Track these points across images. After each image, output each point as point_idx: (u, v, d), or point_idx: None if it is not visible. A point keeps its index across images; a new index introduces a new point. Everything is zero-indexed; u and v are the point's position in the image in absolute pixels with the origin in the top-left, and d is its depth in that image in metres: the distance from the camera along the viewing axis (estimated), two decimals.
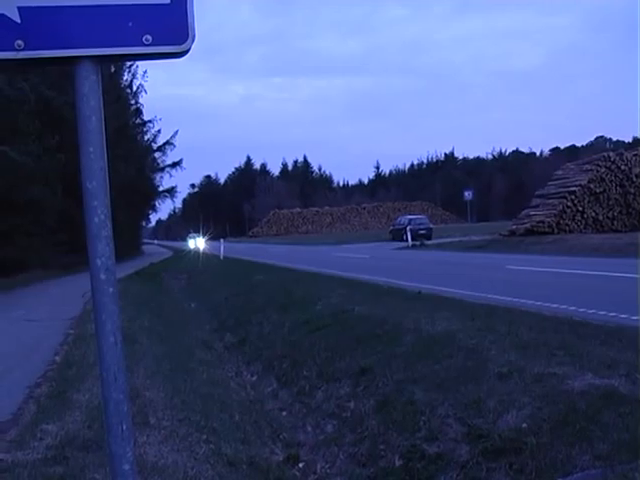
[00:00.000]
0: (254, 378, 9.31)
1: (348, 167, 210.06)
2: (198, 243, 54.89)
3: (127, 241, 40.73)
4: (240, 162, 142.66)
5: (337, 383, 7.57)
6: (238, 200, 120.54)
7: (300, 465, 5.95)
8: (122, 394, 2.18)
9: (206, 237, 59.23)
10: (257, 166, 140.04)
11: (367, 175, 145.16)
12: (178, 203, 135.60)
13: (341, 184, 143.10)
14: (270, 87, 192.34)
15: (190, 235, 70.35)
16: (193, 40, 2.19)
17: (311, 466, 5.90)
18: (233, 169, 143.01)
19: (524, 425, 4.89)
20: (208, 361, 10.17)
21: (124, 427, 2.18)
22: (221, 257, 35.17)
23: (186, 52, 2.21)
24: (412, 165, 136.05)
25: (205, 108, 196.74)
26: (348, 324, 9.82)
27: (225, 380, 9.11)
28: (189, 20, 2.19)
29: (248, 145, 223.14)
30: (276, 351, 10.05)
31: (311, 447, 6.34)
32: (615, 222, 37.57)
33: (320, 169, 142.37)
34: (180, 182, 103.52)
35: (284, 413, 7.57)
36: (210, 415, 6.66)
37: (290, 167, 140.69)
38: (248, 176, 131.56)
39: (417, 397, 6.13)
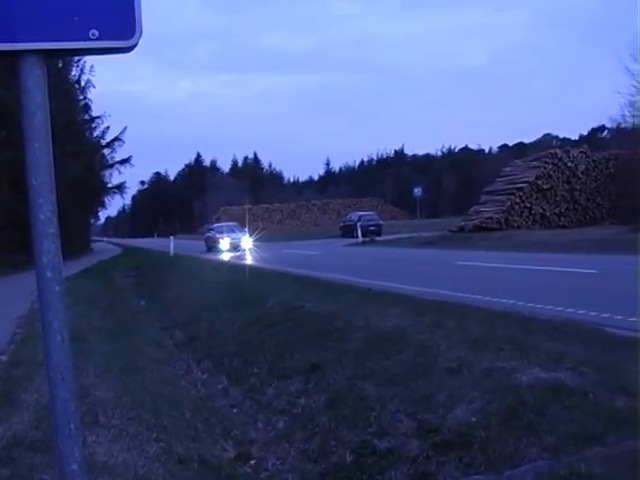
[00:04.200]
0: (205, 376, 9.27)
1: (298, 164, 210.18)
2: (242, 242, 39.69)
3: (76, 238, 40.20)
4: (190, 159, 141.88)
5: (288, 380, 7.57)
6: (188, 197, 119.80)
7: (251, 462, 5.93)
8: (70, 393, 2.16)
9: (251, 234, 43.03)
10: (207, 163, 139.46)
11: (317, 172, 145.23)
12: (128, 200, 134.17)
13: (291, 181, 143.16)
14: (219, 83, 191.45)
15: (217, 229, 45.06)
16: (140, 35, 2.17)
17: (262, 463, 5.89)
18: (183, 166, 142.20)
19: (473, 419, 4.94)
20: (158, 359, 10.10)
21: (72, 427, 2.15)
22: (171, 254, 34.94)
23: (133, 47, 2.19)
24: (362, 162, 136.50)
25: (153, 104, 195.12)
26: (299, 321, 9.82)
27: (175, 378, 9.06)
28: (136, 15, 2.17)
29: (198, 141, 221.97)
30: (227, 348, 10.01)
31: (262, 444, 6.33)
32: (562, 218, 38.12)
33: (270, 166, 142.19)
34: (129, 179, 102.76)
35: (235, 410, 7.55)
36: (160, 413, 6.61)
37: (240, 164, 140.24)
38: (198, 173, 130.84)
39: (368, 393, 6.16)
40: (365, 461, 5.10)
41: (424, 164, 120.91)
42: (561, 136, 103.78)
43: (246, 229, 43.18)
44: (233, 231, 43.59)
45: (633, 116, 37.30)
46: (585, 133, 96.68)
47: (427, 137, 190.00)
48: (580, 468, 3.75)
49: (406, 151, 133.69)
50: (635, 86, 35.86)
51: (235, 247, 39.39)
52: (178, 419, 6.72)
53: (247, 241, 40.38)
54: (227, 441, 6.44)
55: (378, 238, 42.43)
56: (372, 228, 45.95)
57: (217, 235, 43.04)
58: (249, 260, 29.46)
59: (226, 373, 8.99)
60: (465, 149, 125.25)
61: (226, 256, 34.18)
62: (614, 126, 44.77)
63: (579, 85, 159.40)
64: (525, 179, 38.02)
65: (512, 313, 9.44)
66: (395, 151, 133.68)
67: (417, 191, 52.25)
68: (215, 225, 48.87)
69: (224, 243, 40.63)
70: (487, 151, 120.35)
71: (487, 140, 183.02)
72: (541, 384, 5.19)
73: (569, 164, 38.65)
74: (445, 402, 5.36)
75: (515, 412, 4.80)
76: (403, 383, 6.05)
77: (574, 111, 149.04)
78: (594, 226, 35.34)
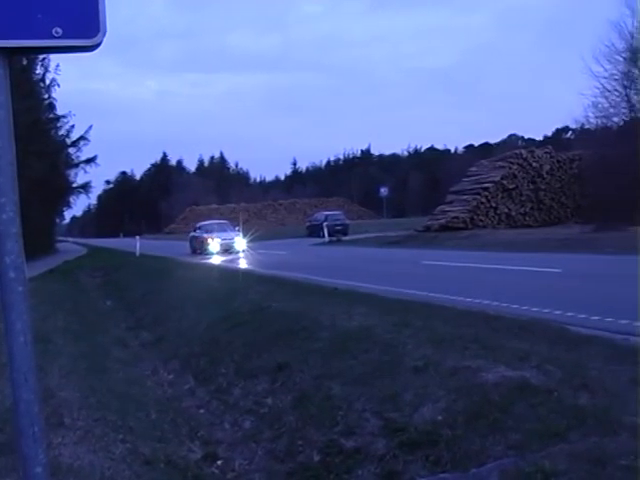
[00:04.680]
0: (171, 376, 9.22)
1: (265, 163, 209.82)
2: (236, 244, 35.23)
3: (40, 238, 39.76)
4: (156, 158, 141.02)
5: (255, 380, 7.55)
6: (154, 196, 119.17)
7: (218, 463, 5.91)
8: (33, 395, 2.14)
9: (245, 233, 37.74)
10: (173, 162, 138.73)
11: (284, 171, 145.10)
12: (93, 199, 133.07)
13: (258, 180, 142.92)
14: (185, 83, 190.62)
15: (204, 228, 39.09)
16: (104, 34, 2.15)
17: (229, 463, 5.87)
18: (149, 165, 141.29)
19: (440, 418, 4.96)
20: (124, 360, 10.03)
21: (36, 429, 2.13)
22: (137, 254, 34.72)
23: (97, 46, 2.17)
24: (329, 162, 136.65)
25: (119, 103, 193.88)
26: (266, 321, 9.81)
27: (142, 378, 9.00)
28: (100, 13, 2.15)
29: (164, 141, 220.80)
30: (193, 349, 9.97)
31: (229, 444, 6.31)
32: (527, 218, 38.48)
33: (237, 165, 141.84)
34: (95, 178, 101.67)
35: (202, 411, 7.52)
36: (127, 414, 6.57)
37: (206, 163, 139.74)
38: (164, 172, 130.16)
39: (334, 392, 6.16)
40: (332, 460, 5.11)
41: (390, 164, 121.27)
42: (526, 136, 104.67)
43: (238, 228, 37.87)
44: (224, 230, 37.79)
45: (596, 117, 37.74)
46: (550, 134, 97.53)
47: (393, 137, 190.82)
48: (545, 465, 3.79)
49: (372, 151, 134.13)
50: (598, 88, 36.31)
51: (227, 249, 34.62)
52: (144, 420, 6.68)
53: (241, 242, 35.42)
54: (194, 442, 6.41)
55: (344, 238, 42.49)
56: (338, 228, 46.00)
57: (205, 235, 36.70)
58: (243, 265, 26.50)
59: (193, 373, 8.95)
60: (431, 149, 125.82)
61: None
62: (578, 127, 45.20)
63: (544, 86, 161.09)
64: (491, 179, 38.33)
65: (478, 312, 9.50)
66: (362, 151, 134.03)
67: (383, 191, 52.52)
68: (202, 223, 41.05)
69: (214, 244, 34.91)
70: (453, 151, 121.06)
71: (453, 140, 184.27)
72: (506, 382, 5.23)
73: (534, 164, 39.05)
74: (411, 401, 5.38)
75: (481, 410, 4.83)
76: (369, 382, 6.06)
77: (539, 112, 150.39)
78: (558, 225, 35.75)
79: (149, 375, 9.42)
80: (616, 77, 36.39)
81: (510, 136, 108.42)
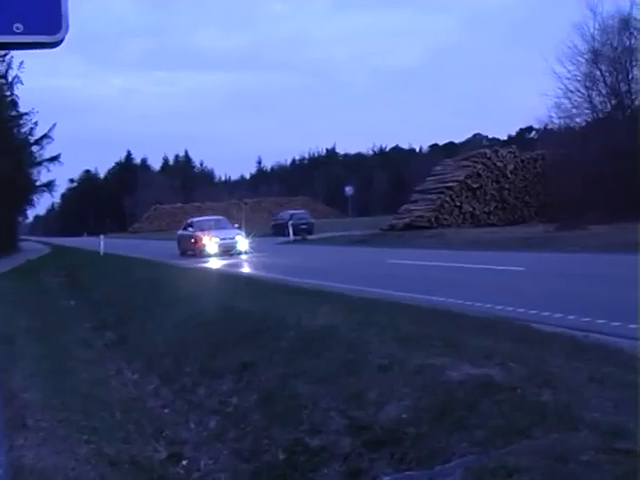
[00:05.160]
0: (135, 376, 9.16)
1: (230, 162, 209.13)
2: (238, 244, 30.85)
3: (3, 237, 39.41)
4: (120, 157, 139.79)
5: (220, 379, 7.53)
6: (119, 195, 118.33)
7: (184, 462, 5.89)
8: None
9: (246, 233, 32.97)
10: (138, 161, 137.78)
11: (249, 170, 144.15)
12: (57, 198, 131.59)
13: (223, 179, 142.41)
14: (150, 80, 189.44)
15: (198, 225, 33.93)
16: (67, 30, 2.13)
17: (195, 463, 5.85)
18: (113, 164, 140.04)
19: (404, 416, 4.98)
20: (88, 360, 9.95)
21: None
22: (101, 253, 34.45)
23: (60, 42, 2.15)
24: (294, 161, 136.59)
25: (83, 101, 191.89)
26: (231, 320, 9.78)
27: (106, 379, 8.94)
28: (63, 9, 2.13)
29: (128, 139, 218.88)
30: (158, 348, 9.92)
31: (194, 444, 6.29)
32: (491, 216, 38.80)
33: (202, 164, 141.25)
34: (59, 177, 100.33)
35: (166, 410, 7.48)
36: (91, 415, 6.52)
37: (171, 162, 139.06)
38: (129, 171, 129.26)
39: (300, 391, 6.16)
40: (297, 459, 5.11)
41: (355, 163, 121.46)
42: (490, 136, 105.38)
43: (237, 225, 33.78)
44: (222, 227, 32.94)
45: (559, 117, 38.21)
46: (513, 134, 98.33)
47: (358, 136, 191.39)
48: (508, 461, 3.82)
49: (338, 150, 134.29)
50: (561, 88, 36.73)
51: (227, 250, 30.24)
52: (109, 420, 6.63)
53: (243, 242, 30.97)
54: (159, 442, 6.38)
55: (310, 237, 42.51)
56: (303, 227, 46.02)
57: (199, 234, 31.78)
58: (247, 269, 23.17)
59: (157, 373, 8.90)
60: (396, 148, 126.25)
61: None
62: (541, 127, 45.78)
63: (508, 87, 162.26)
64: (455, 178, 38.61)
65: (443, 310, 9.56)
66: (327, 150, 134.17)
67: (348, 190, 52.63)
68: (195, 219, 36.04)
69: (211, 245, 30.45)
70: (418, 150, 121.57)
71: (418, 139, 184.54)
72: (471, 380, 5.27)
73: (498, 164, 39.39)
74: (376, 399, 5.39)
75: (445, 408, 4.85)
76: (335, 381, 6.07)
77: (503, 112, 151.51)
78: (522, 224, 36.08)
79: (113, 375, 9.35)
80: (578, 78, 36.97)
81: (474, 136, 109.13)
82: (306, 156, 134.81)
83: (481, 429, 4.42)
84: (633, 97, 36.97)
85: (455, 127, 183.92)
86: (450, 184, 38.21)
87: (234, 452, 5.77)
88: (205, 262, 27.12)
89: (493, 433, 4.32)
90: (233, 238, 31.12)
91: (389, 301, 10.79)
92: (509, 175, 39.53)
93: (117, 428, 6.45)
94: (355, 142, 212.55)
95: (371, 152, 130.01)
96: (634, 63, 36.19)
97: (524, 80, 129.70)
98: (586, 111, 37.83)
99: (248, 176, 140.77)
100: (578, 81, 37.06)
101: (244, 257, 29.12)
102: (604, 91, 37.00)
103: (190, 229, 33.74)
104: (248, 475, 5.27)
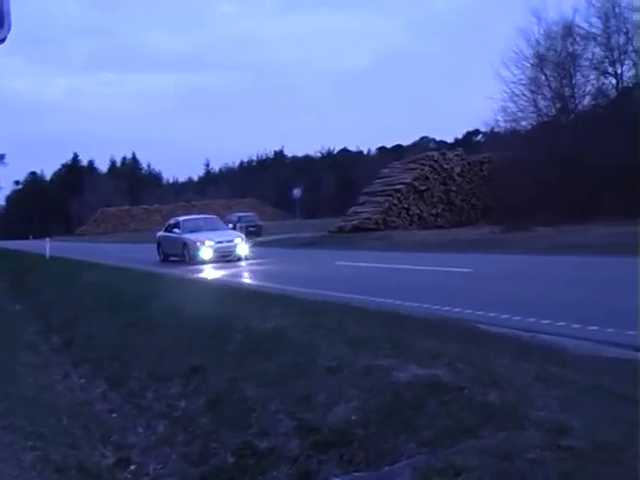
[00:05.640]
0: (83, 380, 9.07)
1: (178, 164, 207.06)
2: (237, 248, 26.66)
3: None
4: (67, 158, 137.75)
5: (168, 383, 7.49)
6: (65, 197, 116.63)
7: (132, 467, 5.85)
8: None
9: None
10: (84, 163, 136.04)
11: (197, 172, 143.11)
12: (2, 200, 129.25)
13: (171, 181, 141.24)
14: (97, 82, 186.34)
15: (186, 225, 28.92)
16: (9, 29, 2.11)
17: (143, 468, 5.81)
18: (59, 166, 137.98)
19: (353, 417, 5.00)
20: (34, 364, 9.82)
21: None
22: (47, 256, 33.95)
23: (1, 41, 2.13)
24: (242, 163, 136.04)
25: (28, 102, 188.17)
26: (179, 323, 9.73)
27: (52, 383, 8.83)
28: (4, 8, 2.11)
29: (75, 141, 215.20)
30: (106, 352, 9.82)
31: (143, 448, 6.24)
32: (438, 219, 39.13)
33: (149, 166, 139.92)
34: (3, 179, 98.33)
35: (114, 415, 7.42)
36: (37, 420, 6.44)
37: (119, 164, 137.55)
38: (75, 173, 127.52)
39: (248, 394, 6.16)
40: (246, 462, 5.10)
41: (303, 165, 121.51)
42: (438, 139, 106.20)
43: (232, 226, 30.58)
44: (215, 228, 28.62)
45: (505, 121, 38.73)
46: (460, 137, 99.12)
47: (307, 138, 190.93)
48: (456, 461, 3.86)
49: (286, 152, 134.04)
50: (507, 92, 37.24)
51: (225, 256, 26.07)
52: (55, 426, 6.55)
53: (243, 246, 26.74)
54: (106, 447, 6.32)
55: (258, 239, 42.42)
56: (252, 229, 45.98)
57: (189, 236, 27.06)
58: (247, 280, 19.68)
59: (105, 377, 8.81)
60: (344, 151, 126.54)
61: (102, 257, 28.50)
62: (488, 130, 46.28)
63: (455, 90, 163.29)
64: (403, 180, 38.87)
65: (391, 312, 9.62)
66: (275, 152, 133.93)
67: (296, 192, 52.71)
68: (182, 219, 30.20)
69: (205, 250, 25.90)
70: (366, 153, 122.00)
71: (366, 142, 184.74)
72: (418, 381, 5.31)
73: (445, 166, 39.76)
74: (325, 401, 5.41)
75: (393, 409, 4.89)
76: (284, 383, 6.08)
77: (450, 115, 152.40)
78: (469, 226, 36.43)
79: (60, 380, 9.24)
80: (524, 82, 37.54)
81: (422, 138, 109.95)
82: (254, 158, 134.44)
83: (429, 429, 4.46)
84: (577, 101, 37.63)
85: (403, 130, 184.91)
86: (398, 186, 38.45)
87: (183, 456, 5.74)
88: (199, 270, 23.31)
89: (441, 433, 4.36)
90: (231, 241, 26.84)
91: (337, 303, 10.82)
92: (456, 178, 39.92)
93: (64, 433, 6.38)
94: (303, 144, 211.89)
95: (319, 154, 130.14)
96: (577, 68, 36.86)
97: (471, 84, 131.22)
98: (531, 115, 38.41)
99: (196, 178, 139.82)
100: (523, 85, 37.62)
101: (243, 264, 25.16)
102: (549, 95, 37.59)
103: (176, 230, 28.44)
104: (197, 479, 5.25)
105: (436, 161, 39.71)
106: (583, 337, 7.99)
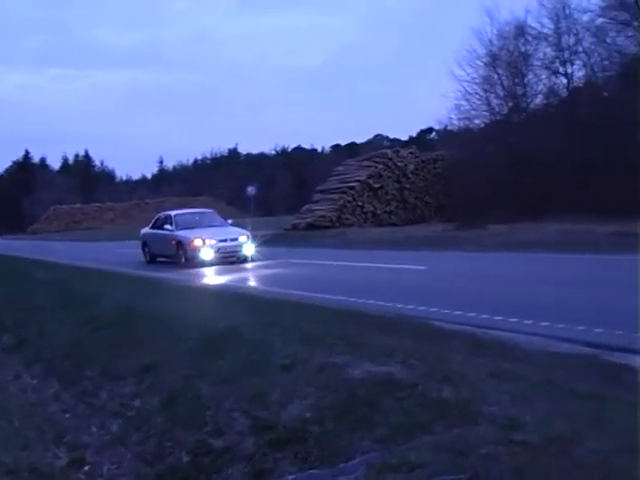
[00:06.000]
0: (35, 381, 8.95)
1: (131, 162, 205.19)
2: (244, 248, 22.79)
3: None
4: (18, 155, 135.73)
5: (122, 382, 7.42)
6: (16, 195, 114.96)
7: (85, 468, 5.79)
8: None
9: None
10: (36, 160, 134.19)
11: (151, 170, 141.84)
12: None
13: (124, 179, 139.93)
14: (49, 78, 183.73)
15: (180, 221, 24.70)
16: None
17: (97, 468, 5.76)
18: (10, 163, 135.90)
19: (308, 414, 5.01)
20: None
21: None
22: None
23: None
24: (196, 160, 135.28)
25: None
26: (133, 322, 9.66)
27: (3, 384, 8.71)
28: None
29: (26, 138, 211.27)
30: (58, 351, 9.71)
31: (97, 448, 6.18)
32: (392, 216, 39.28)
33: (102, 164, 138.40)
34: None
35: (67, 415, 7.34)
36: None
37: (71, 161, 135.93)
38: (27, 170, 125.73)
39: (203, 392, 6.14)
40: (201, 461, 5.08)
41: (258, 163, 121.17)
42: (392, 137, 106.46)
43: (231, 221, 25.97)
44: (215, 224, 24.89)
45: (459, 119, 39.07)
46: (414, 134, 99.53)
47: (261, 136, 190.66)
48: (410, 457, 3.89)
49: (240, 150, 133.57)
50: (460, 91, 37.57)
51: (228, 257, 22.59)
52: (6, 427, 6.47)
53: (249, 245, 22.93)
54: (59, 447, 6.25)
55: None
56: None
57: (185, 233, 23.23)
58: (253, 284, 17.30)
59: (57, 377, 8.71)
60: (298, 148, 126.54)
61: (55, 255, 26.62)
62: (441, 128, 46.64)
63: (409, 88, 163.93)
64: (357, 178, 38.96)
65: (346, 310, 9.65)
66: (229, 150, 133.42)
67: (250, 190, 52.54)
68: (176, 214, 25.90)
69: (206, 250, 22.14)
70: (320, 150, 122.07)
71: (320, 140, 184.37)
72: (372, 378, 5.34)
73: (399, 164, 39.92)
74: (280, 399, 5.41)
75: (348, 406, 4.91)
76: (238, 381, 6.07)
77: (404, 113, 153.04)
78: (423, 224, 36.65)
79: (11, 380, 9.12)
80: (477, 81, 37.93)
81: (376, 136, 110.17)
82: (208, 156, 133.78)
83: (383, 426, 4.49)
84: (529, 100, 38.09)
85: (357, 128, 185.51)
86: (352, 184, 38.54)
87: (137, 455, 5.70)
88: (201, 275, 20.12)
89: (395, 430, 4.39)
90: (236, 239, 22.92)
91: (291, 301, 10.83)
92: (410, 175, 40.12)
93: (15, 435, 6.30)
94: (258, 142, 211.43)
95: (273, 152, 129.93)
96: (529, 68, 37.33)
97: (425, 82, 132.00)
98: (484, 113, 38.80)
99: (150, 176, 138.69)
100: (477, 84, 38.00)
101: (249, 266, 21.79)
102: (501, 94, 38.00)
103: (168, 227, 24.31)
104: (152, 478, 5.22)
105: (390, 159, 39.86)
106: (535, 333, 8.09)
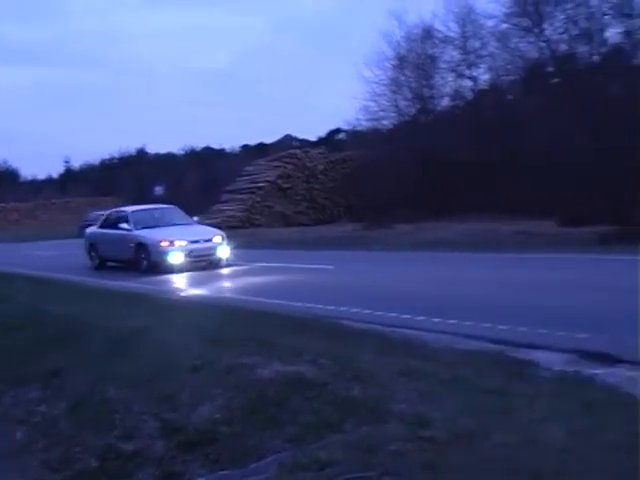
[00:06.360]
0: None
1: (36, 161, 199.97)
2: (218, 251, 19.44)
3: None
4: None
5: (27, 387, 7.25)
6: None
7: None
8: None
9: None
10: None
11: (57, 170, 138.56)
12: None
13: (29, 179, 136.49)
14: None
15: (136, 218, 20.90)
16: None
17: (0, 477, 5.61)
18: None
19: (217, 416, 4.99)
20: None
21: None
22: None
23: None
24: (103, 160, 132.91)
25: None
26: (39, 325, 9.44)
27: None
28: None
29: None
30: None
31: (0, 457, 6.03)
32: (302, 216, 39.37)
33: (5, 162, 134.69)
34: None
35: None
36: None
37: None
38: None
39: (111, 395, 6.05)
40: (110, 465, 5.01)
41: (166, 163, 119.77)
42: (301, 137, 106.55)
43: (196, 218, 23.47)
44: (179, 222, 21.21)
45: (367, 120, 39.43)
46: (323, 135, 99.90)
47: (170, 136, 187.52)
48: (320, 455, 3.92)
49: (148, 150, 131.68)
50: (369, 92, 37.94)
51: (201, 261, 19.10)
52: None
53: (224, 248, 19.59)
54: None
55: None
56: None
57: (147, 235, 19.65)
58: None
59: None
60: (207, 148, 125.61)
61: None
62: (350, 129, 46.90)
63: (318, 89, 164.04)
64: (266, 178, 38.96)
65: (255, 310, 9.65)
66: (137, 149, 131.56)
67: (158, 189, 52.01)
68: (132, 210, 22.38)
69: (175, 254, 18.58)
70: (229, 151, 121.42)
71: (229, 140, 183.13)
72: (282, 378, 5.36)
73: (308, 164, 40.07)
74: (189, 400, 5.38)
75: (258, 406, 4.91)
76: (148, 383, 6.01)
77: (313, 113, 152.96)
78: (332, 224, 36.85)
79: None
80: (385, 82, 38.33)
81: (285, 136, 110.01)
82: (116, 156, 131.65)
83: (294, 425, 4.51)
84: (435, 102, 38.72)
85: (266, 128, 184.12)
86: (261, 184, 38.52)
87: (43, 463, 5.58)
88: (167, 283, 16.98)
89: (305, 429, 4.41)
90: (209, 240, 19.63)
91: (201, 302, 10.77)
92: (319, 176, 40.30)
93: None
94: (166, 142, 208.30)
95: (182, 152, 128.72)
96: (436, 70, 37.96)
97: (334, 83, 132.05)
98: (392, 114, 39.21)
99: (56, 176, 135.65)
100: (385, 85, 38.37)
101: (226, 271, 18.63)
102: (409, 95, 38.48)
103: (124, 226, 20.60)
104: None
105: (299, 159, 39.97)
106: (443, 331, 8.23)
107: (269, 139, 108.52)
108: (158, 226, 20.29)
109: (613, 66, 29.49)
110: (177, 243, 18.72)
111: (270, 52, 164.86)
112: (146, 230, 19.88)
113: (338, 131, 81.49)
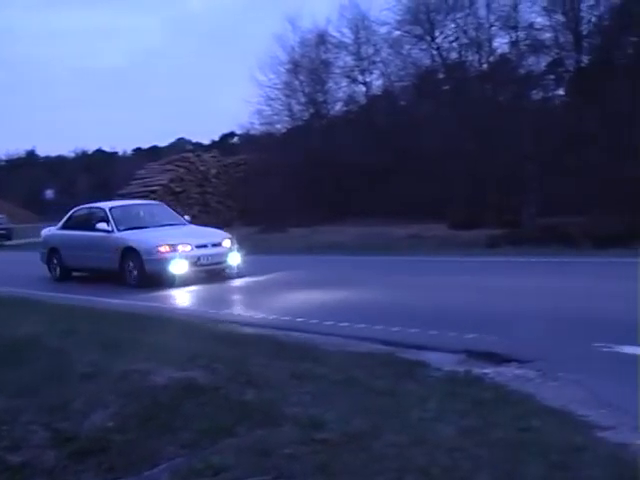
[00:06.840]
0: None
1: None
2: (229, 258, 15.59)
3: None
4: None
5: None
6: None
7: None
8: None
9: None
10: None
11: None
12: None
13: None
14: None
15: (119, 217, 16.47)
16: None
17: None
18: None
19: (110, 423, 4.93)
20: None
21: None
22: None
23: None
24: None
25: None
26: None
27: None
28: None
29: None
30: None
31: None
32: (195, 220, 39.02)
33: None
34: None
35: None
36: None
37: None
38: None
39: None
40: None
41: (57, 166, 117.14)
42: (194, 140, 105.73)
43: (187, 217, 19.07)
44: (168, 223, 17.32)
45: (261, 124, 39.52)
46: (217, 139, 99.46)
47: (60, 138, 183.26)
48: (214, 460, 3.92)
49: (38, 152, 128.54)
50: (263, 96, 38.04)
51: (210, 270, 15.38)
52: None
53: (234, 254, 15.72)
54: None
55: (9, 242, 40.49)
56: (2, 232, 43.73)
57: (137, 238, 15.59)
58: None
59: None
60: (99, 151, 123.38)
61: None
62: (244, 132, 46.88)
63: (212, 92, 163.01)
64: (159, 182, 38.54)
65: (149, 315, 9.56)
66: (26, 152, 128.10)
67: (49, 193, 50.78)
68: (111, 206, 17.80)
69: (178, 262, 14.63)
70: (122, 154, 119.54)
71: (121, 143, 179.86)
72: (175, 384, 5.33)
73: (201, 168, 39.84)
74: (81, 409, 5.29)
75: (151, 413, 4.88)
76: (37, 392, 5.88)
77: (207, 117, 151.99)
78: (226, 228, 36.70)
79: None
80: (279, 87, 38.60)
81: (179, 140, 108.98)
82: (3, 158, 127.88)
83: (187, 431, 4.50)
84: (329, 107, 39.14)
85: (159, 131, 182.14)
86: (154, 188, 38.05)
87: None
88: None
89: (199, 434, 4.41)
90: (218, 244, 15.82)
91: (92, 307, 10.60)
92: (212, 179, 40.09)
93: None
94: (56, 144, 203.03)
95: (73, 155, 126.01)
96: (330, 75, 38.38)
97: (228, 86, 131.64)
98: (286, 118, 39.46)
99: None
100: (279, 89, 38.61)
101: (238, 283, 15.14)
102: (303, 100, 38.81)
103: (103, 226, 16.27)
104: None
105: (192, 162, 39.69)
106: (335, 333, 8.34)
107: (162, 142, 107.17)
108: (147, 226, 16.59)
109: (500, 74, 30.46)
110: (180, 248, 14.93)
111: (164, 54, 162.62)
112: (134, 232, 16.02)
113: (232, 135, 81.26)
